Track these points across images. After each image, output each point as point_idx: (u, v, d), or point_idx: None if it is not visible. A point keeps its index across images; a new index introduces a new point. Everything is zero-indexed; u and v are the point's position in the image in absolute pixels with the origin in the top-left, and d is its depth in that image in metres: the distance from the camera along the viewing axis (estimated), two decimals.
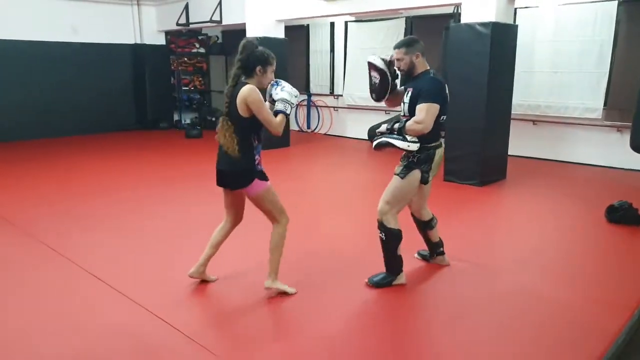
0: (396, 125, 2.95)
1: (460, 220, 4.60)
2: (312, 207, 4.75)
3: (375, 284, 3.11)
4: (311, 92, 10.26)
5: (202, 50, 11.37)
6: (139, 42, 10.52)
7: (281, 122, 2.76)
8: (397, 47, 3.03)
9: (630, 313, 2.81)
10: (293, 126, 9.00)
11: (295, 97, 2.83)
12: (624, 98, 6.35)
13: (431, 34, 7.94)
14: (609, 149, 6.78)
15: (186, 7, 9.56)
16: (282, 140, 8.53)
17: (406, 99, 3.03)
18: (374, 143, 3.00)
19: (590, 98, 6.80)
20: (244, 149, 2.77)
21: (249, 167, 2.80)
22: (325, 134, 10.00)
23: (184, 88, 11.19)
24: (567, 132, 7.17)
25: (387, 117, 9.54)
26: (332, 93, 9.93)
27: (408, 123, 2.91)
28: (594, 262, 3.69)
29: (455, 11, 6.61)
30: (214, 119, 11.10)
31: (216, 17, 9.00)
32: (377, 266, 3.18)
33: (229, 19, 8.95)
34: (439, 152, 3.06)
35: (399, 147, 2.89)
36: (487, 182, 5.82)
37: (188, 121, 11.36)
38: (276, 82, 2.84)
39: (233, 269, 3.34)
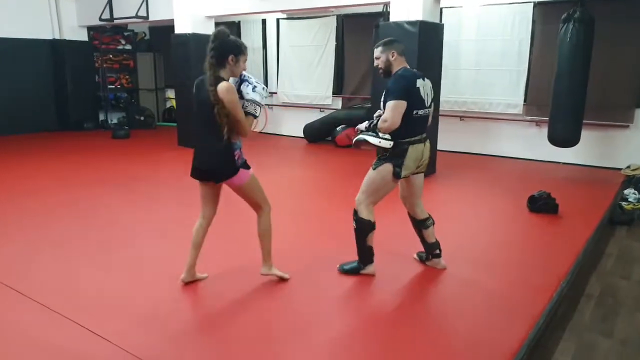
0: (373, 124, 3.04)
1: (393, 214, 4.69)
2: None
3: (344, 271, 3.24)
4: None
5: (128, 47, 10.90)
6: (58, 37, 9.89)
7: (250, 124, 2.78)
8: (376, 46, 3.12)
9: (551, 294, 2.99)
10: None
11: (265, 97, 2.83)
12: (541, 94, 6.76)
13: (362, 32, 8.09)
14: (529, 143, 7.20)
15: (109, 2, 9.10)
16: None
17: (382, 97, 3.09)
18: (354, 140, 3.11)
19: (511, 94, 7.18)
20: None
21: (230, 158, 2.78)
22: (260, 132, 9.91)
23: (109, 86, 10.67)
24: (491, 127, 7.53)
25: (321, 115, 9.54)
26: None
27: (379, 122, 2.97)
28: (517, 249, 3.89)
29: (384, 10, 6.75)
30: (142, 118, 10.69)
31: (142, 13, 8.64)
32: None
33: (156, 15, 8.63)
34: (416, 148, 3.05)
35: (372, 144, 2.98)
36: None
37: (115, 121, 10.86)
38: (247, 78, 2.79)
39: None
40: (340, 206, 5.00)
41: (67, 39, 9.92)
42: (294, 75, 9.19)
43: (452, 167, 6.65)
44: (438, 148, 6.49)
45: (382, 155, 3.06)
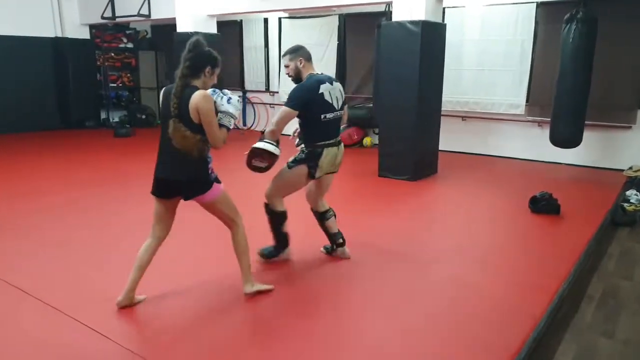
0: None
1: (394, 214, 4.70)
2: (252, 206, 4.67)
3: (263, 256, 3.37)
4: (246, 88, 10.13)
5: (130, 45, 10.90)
6: (60, 35, 9.90)
7: (224, 136, 2.63)
8: (284, 55, 3.20)
9: (552, 295, 2.98)
10: None
11: (238, 111, 2.74)
12: (543, 95, 6.75)
13: (364, 32, 8.08)
14: (531, 143, 7.18)
15: (111, 0, 9.11)
16: None
17: None
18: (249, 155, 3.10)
19: (513, 95, 7.17)
20: (199, 153, 2.61)
21: (205, 173, 2.66)
22: (261, 131, 9.88)
23: (111, 85, 10.67)
24: (493, 127, 7.51)
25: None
26: (267, 90, 9.84)
27: (267, 127, 3.11)
28: (519, 250, 3.87)
29: (387, 9, 6.75)
30: (144, 116, 10.70)
31: (144, 11, 8.64)
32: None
33: (158, 13, 8.63)
34: (330, 151, 3.17)
35: (269, 151, 3.04)
36: (420, 177, 5.99)
37: (116, 119, 10.86)
38: (222, 91, 2.67)
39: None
40: (340, 205, 4.99)
41: (69, 37, 9.93)
42: None
43: (453, 168, 6.64)
44: (440, 148, 6.49)
45: (299, 156, 3.17)
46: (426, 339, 2.53)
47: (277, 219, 3.29)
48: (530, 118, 7.12)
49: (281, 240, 3.38)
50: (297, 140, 3.30)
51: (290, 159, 3.22)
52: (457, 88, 7.52)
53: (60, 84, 10.08)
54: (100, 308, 2.78)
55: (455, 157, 7.42)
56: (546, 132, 6.31)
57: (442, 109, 6.51)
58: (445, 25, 6.24)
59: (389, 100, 5.95)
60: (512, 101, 7.18)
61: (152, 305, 2.85)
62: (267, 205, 3.29)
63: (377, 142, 6.82)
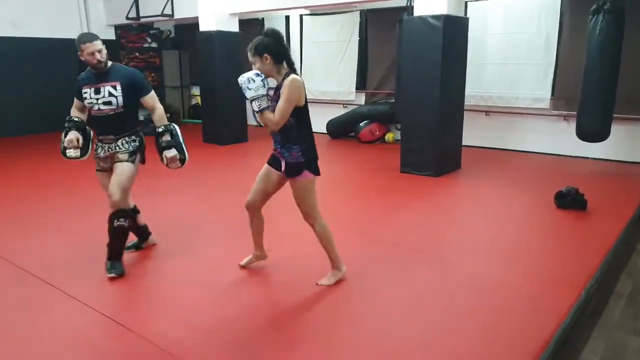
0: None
1: (417, 211, 4.69)
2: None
3: (121, 273, 3.17)
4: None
5: (154, 45, 11.05)
6: None
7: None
8: (92, 40, 3.27)
9: (578, 292, 2.94)
10: (251, 121, 8.93)
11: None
12: (569, 88, 6.61)
13: (385, 27, 8.04)
14: (556, 137, 7.05)
15: (136, 1, 9.28)
16: (240, 135, 8.44)
17: (116, 91, 3.27)
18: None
19: (538, 88, 7.05)
20: None
21: None
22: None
23: None
24: (517, 121, 7.40)
25: (344, 111, 9.43)
26: None
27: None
28: (544, 246, 3.83)
29: (408, 4, 6.70)
30: (168, 114, 10.84)
31: (167, 11, 8.78)
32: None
33: (181, 13, 8.76)
34: None
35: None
36: (443, 173, 5.95)
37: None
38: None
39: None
40: (361, 201, 5.00)
41: None
42: (318, 71, 9.18)
43: (477, 163, 6.57)
44: (463, 143, 6.43)
45: (133, 146, 3.27)
46: (449, 337, 2.53)
47: (133, 215, 3.39)
48: (555, 112, 6.99)
49: (144, 231, 3.58)
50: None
51: (122, 155, 3.24)
52: (480, 82, 7.43)
53: None
54: (139, 307, 2.85)
55: (479, 152, 7.34)
56: (572, 126, 6.19)
57: (465, 103, 6.44)
58: (467, 19, 6.17)
59: (411, 95, 5.92)
60: (536, 95, 7.06)
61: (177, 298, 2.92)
62: (123, 211, 3.16)
63: (399, 137, 6.79)
